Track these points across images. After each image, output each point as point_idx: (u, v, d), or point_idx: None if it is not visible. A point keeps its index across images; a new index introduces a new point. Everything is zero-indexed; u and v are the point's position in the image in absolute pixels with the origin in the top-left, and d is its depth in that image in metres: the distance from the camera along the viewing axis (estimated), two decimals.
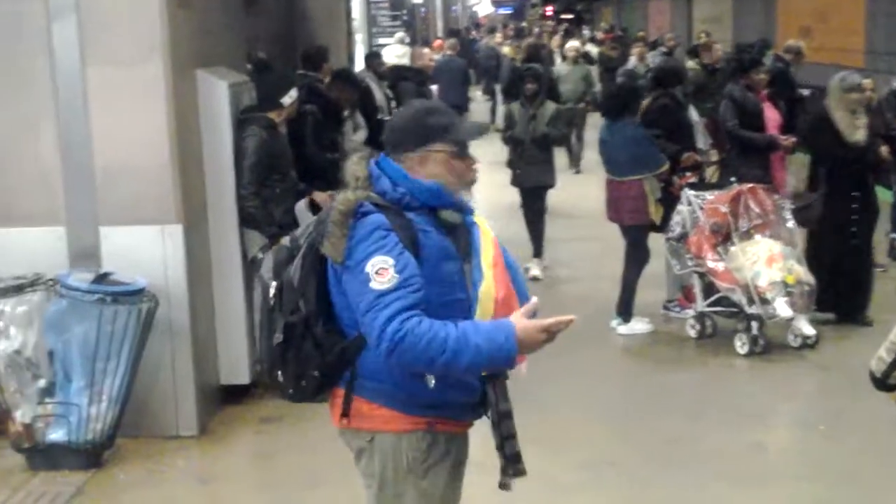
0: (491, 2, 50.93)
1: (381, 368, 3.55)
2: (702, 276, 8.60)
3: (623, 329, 8.91)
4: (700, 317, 8.72)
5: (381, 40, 21.46)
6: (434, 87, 17.96)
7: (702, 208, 8.63)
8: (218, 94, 7.18)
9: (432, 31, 30.45)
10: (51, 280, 6.48)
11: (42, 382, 6.39)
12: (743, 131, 9.35)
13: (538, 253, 10.88)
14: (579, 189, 14.55)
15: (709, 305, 8.63)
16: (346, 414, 3.69)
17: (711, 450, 6.66)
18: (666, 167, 8.83)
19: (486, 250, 3.71)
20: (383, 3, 22.15)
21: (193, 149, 7.07)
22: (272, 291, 3.66)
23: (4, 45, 6.75)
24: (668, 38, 21.74)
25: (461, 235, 3.69)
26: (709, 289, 8.60)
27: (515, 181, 10.93)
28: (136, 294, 6.40)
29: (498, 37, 30.31)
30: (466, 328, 3.46)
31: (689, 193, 8.76)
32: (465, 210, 3.73)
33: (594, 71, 18.06)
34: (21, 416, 6.33)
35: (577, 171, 16.75)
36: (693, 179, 9.06)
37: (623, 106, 9.04)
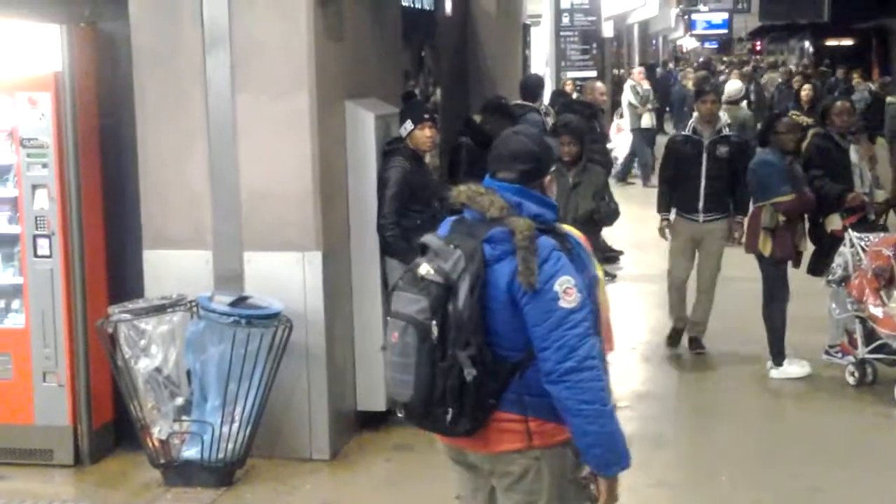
0: (695, 36, 50.14)
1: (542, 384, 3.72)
2: (863, 321, 8.28)
3: (775, 373, 8.59)
4: (860, 363, 8.37)
5: (570, 74, 21.34)
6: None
7: (864, 250, 8.33)
8: (365, 125, 7.30)
9: (625, 64, 30.14)
10: (192, 301, 6.67)
11: (179, 400, 6.57)
12: None
13: None
14: None
15: (870, 352, 8.29)
16: (529, 435, 3.80)
17: (851, 502, 6.39)
18: (787, 198, 8.45)
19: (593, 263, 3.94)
20: (573, 36, 21.97)
21: (338, 178, 7.20)
22: (435, 330, 3.71)
23: (164, 71, 7.00)
24: (879, 80, 20.69)
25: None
26: (871, 335, 8.26)
27: None
28: (271, 318, 6.53)
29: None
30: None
31: (852, 235, 8.47)
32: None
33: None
34: (158, 432, 6.53)
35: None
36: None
37: (766, 132, 8.78)
